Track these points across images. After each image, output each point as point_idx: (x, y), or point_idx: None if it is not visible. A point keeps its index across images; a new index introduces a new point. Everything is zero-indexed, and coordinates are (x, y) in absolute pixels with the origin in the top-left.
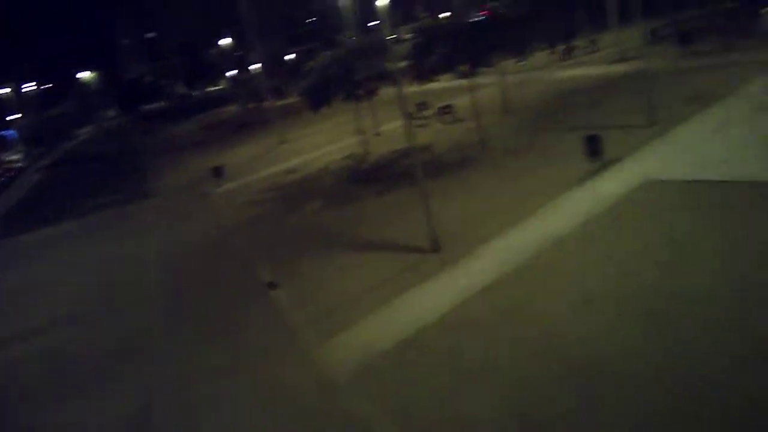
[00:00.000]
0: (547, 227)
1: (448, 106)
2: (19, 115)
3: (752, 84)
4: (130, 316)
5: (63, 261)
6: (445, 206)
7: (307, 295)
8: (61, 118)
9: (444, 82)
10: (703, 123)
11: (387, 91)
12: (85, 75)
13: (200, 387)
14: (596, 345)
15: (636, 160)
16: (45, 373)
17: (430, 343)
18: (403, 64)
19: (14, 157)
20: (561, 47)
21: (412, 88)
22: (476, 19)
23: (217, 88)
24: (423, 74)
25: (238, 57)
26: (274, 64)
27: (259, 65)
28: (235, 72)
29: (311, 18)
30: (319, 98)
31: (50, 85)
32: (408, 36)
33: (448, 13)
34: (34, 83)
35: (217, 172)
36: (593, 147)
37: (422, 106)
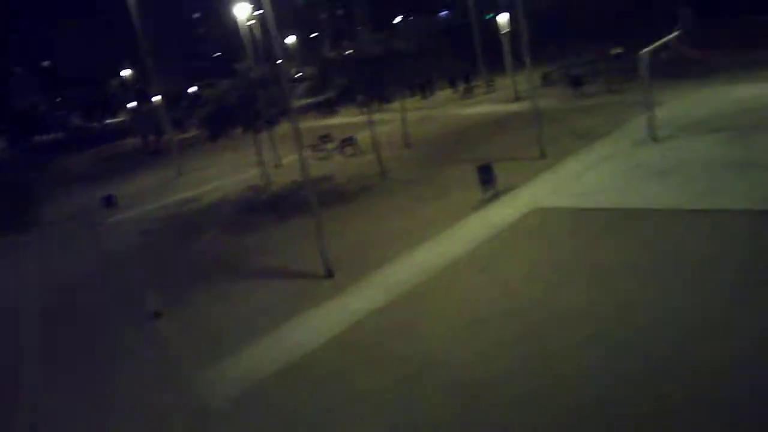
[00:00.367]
0: (438, 253)
1: (349, 138)
2: None
3: (632, 122)
4: None
5: None
6: (342, 233)
7: (192, 323)
8: None
9: (347, 117)
10: (588, 156)
11: (288, 125)
12: None
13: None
14: (474, 364)
15: (525, 189)
16: None
17: (313, 366)
18: (303, 99)
19: None
20: (461, 86)
21: (316, 122)
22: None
23: (116, 120)
24: (324, 107)
25: (138, 89)
26: (175, 96)
27: (159, 97)
28: (135, 104)
29: (216, 53)
30: (216, 128)
31: None
32: (309, 71)
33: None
34: None
35: (108, 201)
36: (485, 176)
37: (325, 138)
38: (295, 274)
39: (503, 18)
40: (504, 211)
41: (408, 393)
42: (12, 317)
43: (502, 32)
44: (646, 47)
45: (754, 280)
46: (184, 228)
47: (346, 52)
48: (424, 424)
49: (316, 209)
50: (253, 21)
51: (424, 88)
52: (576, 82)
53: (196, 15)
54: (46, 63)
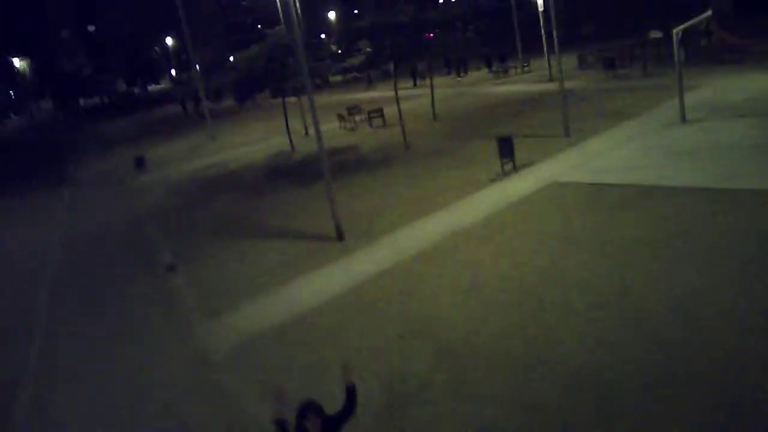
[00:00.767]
0: (449, 221)
1: (377, 110)
2: None
3: (663, 105)
4: (20, 292)
5: None
6: (359, 199)
7: (203, 278)
8: None
9: (383, 91)
10: (614, 135)
11: (320, 97)
12: (18, 62)
13: (75, 355)
14: (468, 326)
15: (545, 165)
16: None
17: (314, 322)
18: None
19: None
20: (497, 67)
21: (349, 95)
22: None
23: (158, 87)
24: (365, 81)
25: (180, 57)
26: (214, 66)
27: (199, 66)
28: (176, 72)
29: (258, 25)
30: (244, 92)
31: None
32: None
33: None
34: None
35: (140, 162)
36: (505, 148)
37: (354, 110)
38: (308, 236)
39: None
40: (521, 184)
41: (399, 350)
42: (36, 265)
43: (540, 11)
44: (685, 32)
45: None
46: (208, 189)
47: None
48: (412, 377)
49: (328, 176)
50: None
51: (459, 67)
52: (610, 65)
53: None
54: (91, 28)
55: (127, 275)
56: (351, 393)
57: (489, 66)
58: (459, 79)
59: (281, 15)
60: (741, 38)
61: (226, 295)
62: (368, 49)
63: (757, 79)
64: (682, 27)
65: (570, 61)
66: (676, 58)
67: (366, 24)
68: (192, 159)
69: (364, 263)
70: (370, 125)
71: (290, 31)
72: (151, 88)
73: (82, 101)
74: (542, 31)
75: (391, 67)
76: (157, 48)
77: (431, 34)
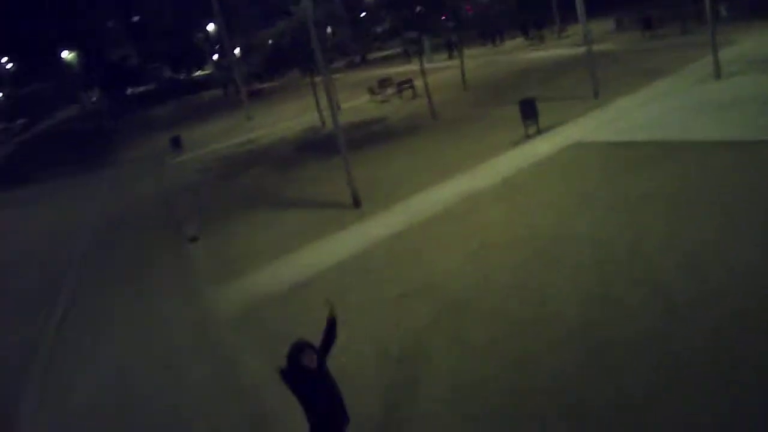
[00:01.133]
0: (466, 185)
1: (407, 81)
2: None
3: (699, 62)
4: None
5: None
6: (382, 168)
7: (222, 247)
8: (40, 96)
9: (413, 66)
10: (644, 94)
11: (359, 72)
12: (67, 54)
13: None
14: (470, 285)
15: (570, 126)
16: None
17: (321, 285)
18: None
19: None
20: (534, 34)
21: (381, 70)
22: None
23: (202, 72)
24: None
25: (222, 42)
26: (255, 49)
27: (238, 50)
28: (218, 57)
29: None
30: (272, 69)
31: (28, 62)
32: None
33: None
34: (9, 60)
35: (176, 143)
36: (527, 111)
37: (385, 82)
38: (327, 204)
39: None
40: (542, 146)
41: (398, 308)
42: (72, 236)
43: None
44: None
45: None
46: (238, 165)
47: None
48: (405, 334)
49: (344, 147)
50: None
51: (494, 36)
52: (647, 25)
53: None
54: (136, 18)
55: (154, 245)
56: (331, 325)
57: (526, 34)
58: (495, 48)
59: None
60: None
61: (242, 262)
62: (389, 20)
63: None
64: None
65: (608, 24)
66: (708, 12)
67: None
68: (227, 138)
69: (376, 227)
70: (400, 97)
71: (319, 6)
72: (196, 74)
73: (129, 90)
74: None
75: (415, 38)
76: (200, 34)
77: (468, 6)
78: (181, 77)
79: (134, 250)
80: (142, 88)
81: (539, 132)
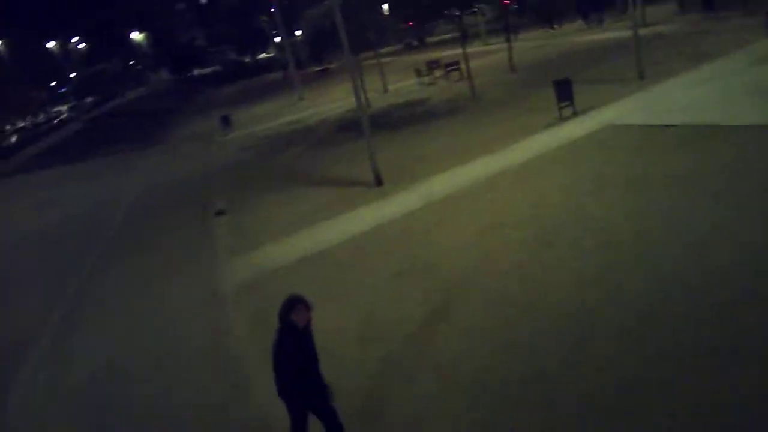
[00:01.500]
0: (490, 166)
1: (454, 63)
2: (74, 74)
3: (756, 44)
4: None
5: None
6: (414, 148)
7: (246, 221)
8: (111, 76)
9: (475, 47)
10: (692, 76)
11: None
12: (137, 35)
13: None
14: (472, 265)
15: (609, 108)
16: None
17: (327, 259)
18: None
19: (60, 109)
20: (593, 17)
21: (434, 53)
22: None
23: (266, 55)
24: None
25: (285, 24)
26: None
27: (299, 32)
28: (280, 39)
29: None
30: (317, 51)
31: (100, 43)
32: None
33: None
34: (82, 40)
35: (225, 121)
36: (562, 92)
37: (433, 64)
38: (352, 182)
39: None
40: (575, 128)
41: (395, 286)
42: (114, 205)
43: None
44: None
45: None
46: (279, 144)
47: None
48: (395, 312)
49: (367, 128)
50: None
51: (552, 19)
52: (708, 6)
53: None
54: (204, 0)
55: (183, 217)
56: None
57: (585, 17)
58: (552, 31)
59: None
60: None
61: (260, 236)
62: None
63: None
64: None
65: (672, 6)
66: None
67: None
68: (276, 117)
69: (394, 205)
70: (447, 79)
71: None
72: (260, 56)
73: (196, 71)
74: None
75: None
76: (264, 17)
77: None
78: (246, 59)
79: (165, 221)
80: (208, 70)
81: (575, 114)
